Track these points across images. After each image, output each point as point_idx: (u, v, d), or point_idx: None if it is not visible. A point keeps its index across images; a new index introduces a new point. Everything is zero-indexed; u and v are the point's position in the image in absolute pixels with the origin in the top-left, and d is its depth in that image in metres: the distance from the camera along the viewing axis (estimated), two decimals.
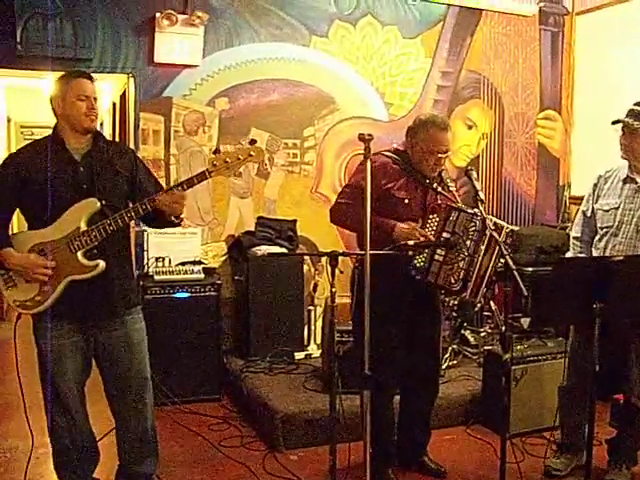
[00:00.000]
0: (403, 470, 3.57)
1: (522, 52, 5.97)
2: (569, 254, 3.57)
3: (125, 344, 2.99)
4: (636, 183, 3.32)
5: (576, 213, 3.66)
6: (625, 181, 3.36)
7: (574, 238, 3.57)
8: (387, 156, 3.35)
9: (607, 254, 3.33)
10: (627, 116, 3.29)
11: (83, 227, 2.81)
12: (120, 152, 3.08)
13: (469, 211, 3.13)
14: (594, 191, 3.50)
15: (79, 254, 2.81)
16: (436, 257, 3.17)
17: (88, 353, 2.99)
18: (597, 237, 3.43)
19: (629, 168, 3.35)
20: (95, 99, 2.92)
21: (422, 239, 3.14)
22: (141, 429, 3.08)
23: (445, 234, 3.16)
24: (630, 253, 3.27)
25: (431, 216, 3.20)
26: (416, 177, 3.30)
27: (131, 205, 2.91)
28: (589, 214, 3.49)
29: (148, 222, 3.16)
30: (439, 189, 3.28)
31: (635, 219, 3.28)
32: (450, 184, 3.31)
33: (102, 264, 2.84)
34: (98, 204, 2.85)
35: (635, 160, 3.31)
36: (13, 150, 8.90)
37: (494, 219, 3.21)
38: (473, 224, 3.12)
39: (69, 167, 2.89)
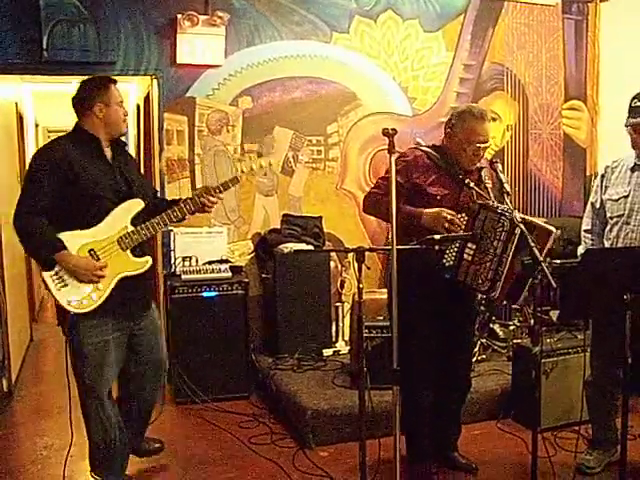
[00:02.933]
0: (434, 465, 3.54)
1: (545, 42, 5.90)
2: (581, 248, 3.54)
3: (153, 330, 3.29)
4: None
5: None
6: (633, 169, 3.33)
7: (585, 231, 3.54)
8: (422, 150, 3.34)
9: (619, 243, 3.30)
10: (634, 115, 3.24)
11: (130, 227, 3.02)
12: (129, 156, 3.34)
13: (498, 210, 3.06)
14: (602, 182, 3.47)
15: (128, 252, 3.02)
16: (465, 256, 3.14)
17: (124, 348, 3.17)
18: (608, 227, 3.40)
19: (637, 156, 3.31)
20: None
21: (450, 219, 3.11)
22: (151, 404, 3.42)
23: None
24: None
25: (460, 215, 3.17)
26: (450, 173, 3.27)
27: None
28: (598, 205, 3.47)
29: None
30: (471, 185, 3.22)
31: None
32: (487, 182, 3.25)
33: (150, 260, 3.09)
34: (142, 204, 3.08)
35: None
36: None
37: (543, 224, 3.13)
38: (500, 224, 3.04)
39: (109, 171, 3.07)
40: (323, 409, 3.93)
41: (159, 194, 4.06)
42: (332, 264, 5.11)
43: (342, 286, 5.28)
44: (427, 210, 3.16)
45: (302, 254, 4.82)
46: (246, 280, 4.67)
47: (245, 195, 5.17)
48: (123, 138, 3.36)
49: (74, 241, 2.96)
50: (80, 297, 2.96)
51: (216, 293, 4.55)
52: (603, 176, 3.48)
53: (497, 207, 3.09)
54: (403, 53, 5.49)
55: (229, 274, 4.66)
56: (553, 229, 3.10)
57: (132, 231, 3.02)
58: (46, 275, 2.95)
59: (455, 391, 3.53)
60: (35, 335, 6.32)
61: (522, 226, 2.93)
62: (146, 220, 3.07)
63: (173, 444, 3.88)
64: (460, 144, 3.23)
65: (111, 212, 3.01)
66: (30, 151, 7.83)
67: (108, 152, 3.12)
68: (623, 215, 3.30)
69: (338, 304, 5.17)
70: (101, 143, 3.07)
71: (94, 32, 4.68)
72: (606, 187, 3.43)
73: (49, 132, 9.18)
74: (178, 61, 4.85)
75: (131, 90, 6.95)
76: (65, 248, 2.92)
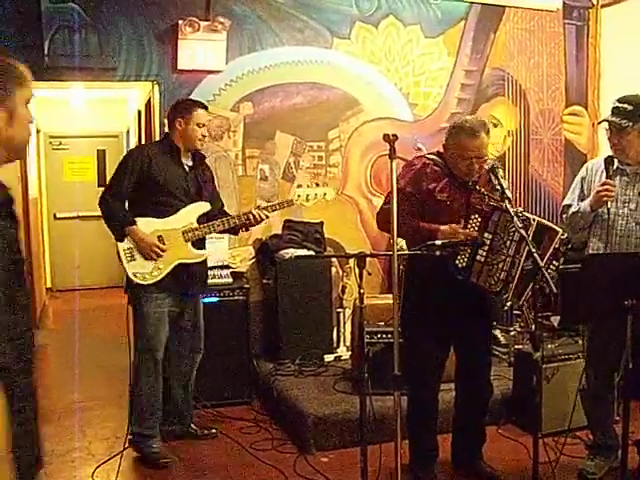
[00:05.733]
0: (458, 473, 3.56)
1: (546, 47, 5.91)
2: (568, 219, 3.47)
3: (196, 314, 3.95)
4: (627, 175, 3.30)
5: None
6: (615, 173, 3.31)
7: (571, 213, 3.46)
8: (429, 158, 3.35)
9: (608, 248, 3.27)
10: (612, 114, 3.25)
11: (195, 224, 3.71)
12: (205, 167, 3.98)
13: (510, 211, 3.03)
14: (582, 184, 3.45)
15: (189, 244, 3.70)
16: (478, 257, 3.14)
17: (176, 323, 3.83)
18: (593, 230, 3.37)
19: (619, 160, 3.30)
20: (205, 125, 3.80)
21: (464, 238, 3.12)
22: (186, 382, 3.99)
23: (486, 234, 3.13)
24: (632, 244, 3.24)
25: (473, 217, 3.17)
26: (458, 178, 3.28)
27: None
28: (574, 207, 3.43)
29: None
30: (482, 190, 3.21)
31: (630, 210, 3.26)
32: (503, 181, 3.17)
33: (206, 253, 3.84)
34: (208, 207, 3.78)
35: (626, 157, 3.28)
36: (43, 161, 9.07)
37: (549, 224, 3.16)
38: (513, 225, 3.02)
39: (182, 175, 3.75)
40: (324, 415, 3.93)
41: None
42: (333, 270, 5.11)
43: (343, 292, 5.27)
44: (443, 228, 3.15)
45: (303, 260, 4.82)
46: (247, 286, 4.67)
47: (246, 201, 5.17)
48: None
49: (149, 226, 3.64)
50: (144, 271, 3.63)
51: (217, 299, 4.55)
52: (584, 178, 3.47)
53: (509, 208, 3.06)
54: (404, 59, 5.49)
55: (230, 280, 4.66)
56: (560, 230, 3.13)
57: (196, 227, 3.70)
58: (120, 248, 3.61)
59: (474, 398, 3.51)
60: (36, 341, 6.31)
61: (522, 232, 2.93)
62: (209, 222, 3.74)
63: (174, 450, 3.88)
64: (454, 158, 3.24)
65: (182, 209, 3.68)
66: (32, 157, 7.86)
67: (188, 160, 3.80)
68: (607, 220, 3.26)
69: (339, 310, 5.16)
70: (180, 152, 3.75)
71: (95, 38, 4.70)
72: (588, 189, 3.41)
73: (51, 138, 9.19)
74: (179, 67, 4.86)
75: (132, 96, 6.98)
76: (135, 224, 3.61)
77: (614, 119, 3.23)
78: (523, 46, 5.83)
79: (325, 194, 3.97)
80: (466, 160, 3.20)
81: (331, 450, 3.87)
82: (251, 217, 3.77)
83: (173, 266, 3.67)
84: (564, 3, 5.90)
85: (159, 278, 3.65)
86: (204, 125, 3.79)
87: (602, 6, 5.95)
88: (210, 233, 3.77)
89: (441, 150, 3.39)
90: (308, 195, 3.92)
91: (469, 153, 3.18)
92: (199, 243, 3.79)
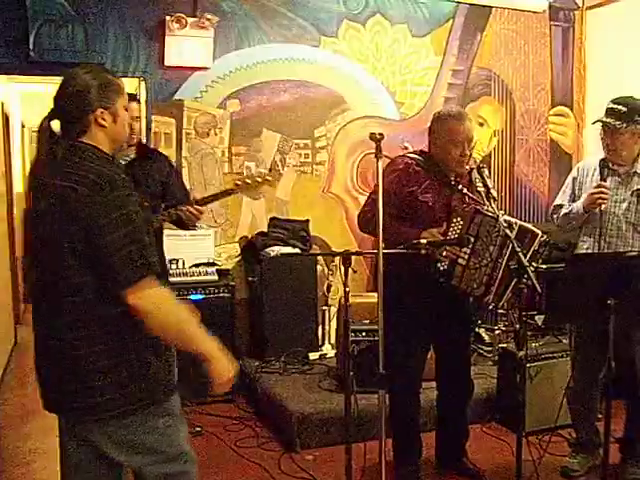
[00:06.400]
0: (442, 471, 3.58)
1: (533, 48, 5.94)
2: (559, 219, 3.51)
3: None
4: (619, 175, 3.32)
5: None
6: (608, 174, 3.33)
7: (563, 214, 3.49)
8: (411, 158, 3.33)
9: (601, 248, 3.29)
10: (607, 116, 3.27)
11: None
12: (158, 159, 3.66)
13: (492, 215, 3.05)
14: (574, 184, 3.48)
15: None
16: (459, 260, 3.13)
17: None
18: (584, 230, 3.40)
19: (611, 160, 3.33)
20: (138, 118, 3.59)
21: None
22: None
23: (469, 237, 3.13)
24: (621, 243, 3.27)
25: (455, 219, 3.15)
26: (441, 179, 3.26)
27: (163, 206, 3.46)
28: (566, 208, 3.46)
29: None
30: (465, 190, 3.20)
31: (622, 210, 3.29)
32: (478, 184, 3.19)
33: None
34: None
35: (619, 158, 3.30)
36: (27, 155, 8.98)
37: (530, 226, 3.17)
38: (496, 229, 3.04)
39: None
40: (309, 412, 3.93)
41: None
42: (319, 268, 5.11)
43: (329, 290, 5.27)
44: (424, 234, 3.13)
45: (289, 257, 4.82)
46: (232, 283, 4.66)
47: (232, 198, 5.12)
48: None
49: None
50: None
51: (202, 296, 4.54)
52: (575, 178, 3.49)
53: (491, 212, 3.07)
54: (391, 57, 5.50)
55: (216, 277, 4.66)
56: (539, 232, 3.13)
57: None
58: None
59: (456, 395, 3.53)
60: (19, 338, 6.27)
61: (508, 231, 2.95)
62: None
63: None
64: (445, 147, 3.22)
65: None
66: (16, 152, 7.78)
67: (128, 156, 3.47)
68: (599, 219, 3.28)
69: (325, 308, 5.16)
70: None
71: (82, 33, 4.66)
72: (579, 189, 3.43)
73: (34, 133, 9.12)
74: (166, 63, 4.84)
75: None
76: None
77: (608, 120, 3.25)
78: (510, 46, 5.85)
79: (266, 176, 3.43)
80: (458, 146, 3.18)
81: (316, 448, 3.87)
82: (181, 215, 3.36)
83: None
84: (550, 5, 5.93)
85: None
86: (132, 118, 3.37)
87: (587, 8, 5.99)
88: None
89: (425, 149, 3.39)
90: (247, 181, 3.38)
91: (461, 136, 3.18)
92: None
